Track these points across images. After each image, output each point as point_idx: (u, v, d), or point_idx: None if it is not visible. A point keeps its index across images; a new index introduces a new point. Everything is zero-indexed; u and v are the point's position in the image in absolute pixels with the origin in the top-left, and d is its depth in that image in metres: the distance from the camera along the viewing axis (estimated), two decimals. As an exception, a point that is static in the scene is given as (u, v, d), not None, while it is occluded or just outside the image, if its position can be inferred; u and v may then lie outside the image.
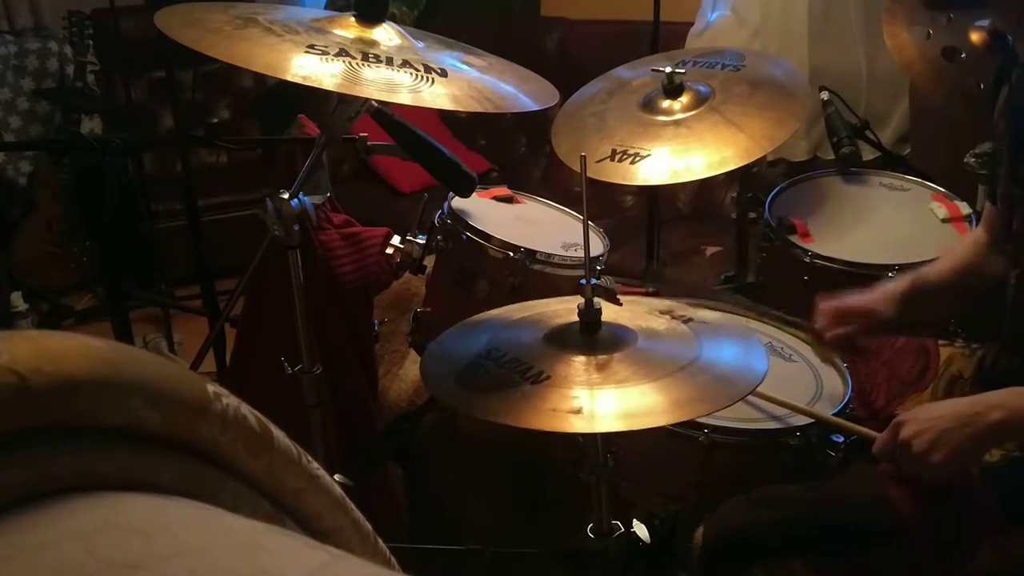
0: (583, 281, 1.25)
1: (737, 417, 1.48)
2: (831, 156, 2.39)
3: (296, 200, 1.50)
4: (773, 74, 1.99)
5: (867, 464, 1.40)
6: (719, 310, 1.62)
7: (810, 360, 1.67)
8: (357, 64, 1.30)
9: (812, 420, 1.48)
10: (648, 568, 1.42)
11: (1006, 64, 1.52)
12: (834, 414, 1.48)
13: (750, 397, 1.48)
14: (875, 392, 1.62)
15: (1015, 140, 1.46)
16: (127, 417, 0.39)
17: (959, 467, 1.26)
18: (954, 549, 1.31)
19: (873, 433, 1.37)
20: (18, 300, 3.45)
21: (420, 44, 1.48)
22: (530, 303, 1.44)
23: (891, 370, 1.64)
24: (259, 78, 4.36)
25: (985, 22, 2.04)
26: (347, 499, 0.49)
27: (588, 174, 1.35)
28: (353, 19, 1.43)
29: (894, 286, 1.62)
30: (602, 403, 1.14)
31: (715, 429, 1.45)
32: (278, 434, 0.45)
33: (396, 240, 1.85)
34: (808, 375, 1.63)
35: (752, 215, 2.19)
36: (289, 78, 1.24)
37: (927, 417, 1.27)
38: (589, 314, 1.25)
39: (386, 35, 1.43)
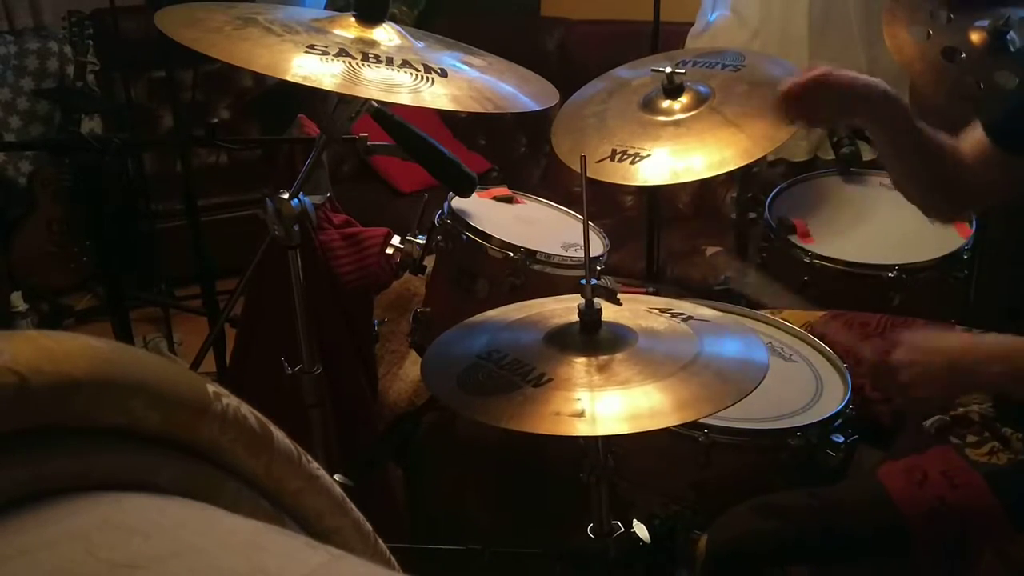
0: (583, 281, 1.25)
1: (737, 417, 1.48)
2: (831, 156, 2.39)
3: (296, 200, 1.50)
4: (773, 74, 1.99)
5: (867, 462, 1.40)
6: (718, 309, 1.62)
7: (810, 360, 1.67)
8: (357, 64, 1.30)
9: (813, 421, 1.48)
10: (648, 568, 1.42)
11: None
12: (834, 414, 1.48)
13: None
14: None
15: None
16: (127, 417, 0.39)
17: (936, 401, 1.26)
18: (958, 556, 1.30)
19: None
20: (18, 300, 3.45)
21: (420, 44, 1.48)
22: (529, 303, 1.44)
23: None
24: (259, 78, 4.36)
25: (985, 22, 2.04)
26: (347, 499, 0.49)
27: (588, 174, 1.35)
28: (353, 19, 1.43)
29: (885, 89, 1.52)
30: (605, 405, 1.13)
31: (715, 429, 1.45)
32: (278, 434, 0.45)
33: (396, 240, 1.85)
34: (808, 375, 1.63)
35: (752, 215, 2.19)
36: (289, 78, 1.24)
37: (924, 349, 1.26)
38: (589, 314, 1.25)
39: (386, 35, 1.43)
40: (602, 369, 1.19)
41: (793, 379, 1.61)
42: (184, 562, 0.35)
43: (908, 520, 1.30)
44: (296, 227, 1.51)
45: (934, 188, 1.57)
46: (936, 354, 1.25)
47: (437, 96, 1.31)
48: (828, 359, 1.67)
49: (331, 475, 0.49)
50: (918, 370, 1.24)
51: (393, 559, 0.51)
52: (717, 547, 1.36)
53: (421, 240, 1.83)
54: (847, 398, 1.52)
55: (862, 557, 1.34)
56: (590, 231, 1.31)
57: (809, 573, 1.33)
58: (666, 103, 1.93)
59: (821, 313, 1.76)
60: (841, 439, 1.46)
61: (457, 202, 1.89)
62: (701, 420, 1.39)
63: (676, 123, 1.90)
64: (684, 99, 1.92)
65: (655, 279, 2.63)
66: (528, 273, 1.78)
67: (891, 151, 1.58)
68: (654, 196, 2.64)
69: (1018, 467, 1.35)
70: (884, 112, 1.51)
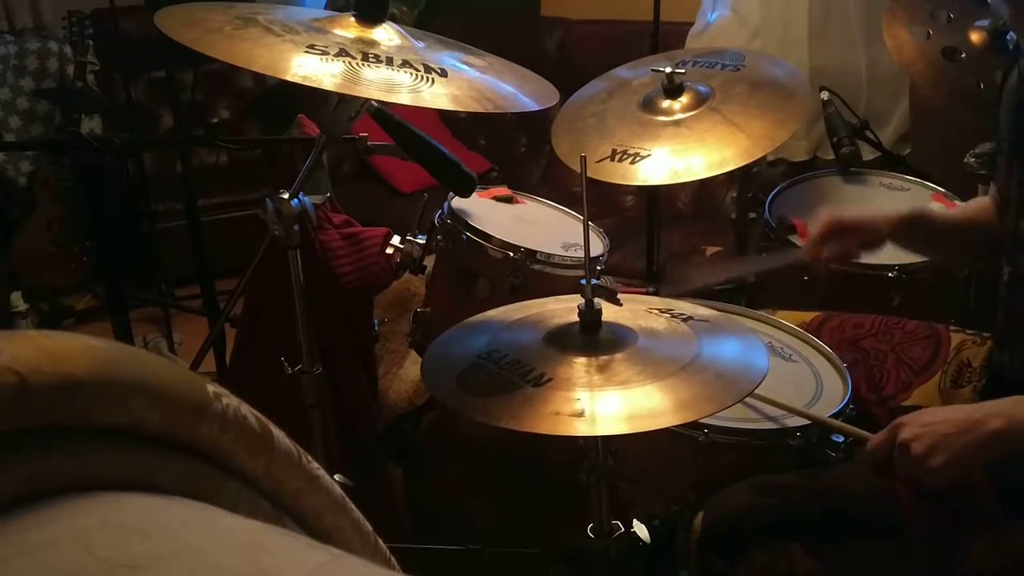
0: (583, 281, 1.25)
1: (737, 417, 1.48)
2: (831, 156, 2.39)
3: (296, 200, 1.50)
4: (773, 74, 1.99)
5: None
6: (718, 309, 1.62)
7: (810, 360, 1.67)
8: (357, 64, 1.30)
9: (813, 420, 1.48)
10: (648, 568, 1.42)
11: (1011, 59, 1.52)
12: (833, 414, 1.48)
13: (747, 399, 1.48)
14: (884, 377, 1.62)
15: (1015, 137, 1.46)
16: (127, 417, 0.39)
17: (957, 472, 1.26)
18: (952, 544, 1.31)
19: (866, 434, 1.37)
20: (18, 300, 3.45)
21: (420, 44, 1.48)
22: (529, 303, 1.44)
23: (900, 355, 1.64)
24: (259, 78, 4.36)
25: (985, 22, 2.04)
26: (347, 499, 0.49)
27: (588, 174, 1.35)
28: (353, 19, 1.43)
29: (898, 212, 1.63)
30: (605, 405, 1.13)
31: (715, 429, 1.45)
32: (278, 434, 0.45)
33: (396, 240, 1.85)
34: (808, 375, 1.63)
35: (752, 215, 2.19)
36: (289, 78, 1.24)
37: (927, 421, 1.27)
38: (589, 314, 1.25)
39: (386, 35, 1.43)
40: (602, 369, 1.19)
41: (793, 379, 1.61)
42: (184, 562, 0.35)
43: (903, 502, 1.31)
44: (296, 227, 1.51)
45: (971, 258, 1.73)
46: (940, 422, 1.27)
47: (437, 96, 1.31)
48: (828, 359, 1.67)
49: (331, 475, 0.49)
50: (929, 440, 1.25)
51: (393, 559, 0.51)
52: (713, 523, 1.36)
53: (421, 240, 1.83)
54: (847, 398, 1.52)
55: (858, 535, 1.34)
56: (590, 231, 1.31)
57: (804, 550, 1.33)
58: (666, 103, 1.93)
59: (814, 314, 1.76)
60: (841, 439, 1.46)
61: (457, 202, 1.88)
62: (701, 420, 1.39)
63: (676, 123, 1.90)
64: (684, 99, 1.93)
65: (655, 279, 2.63)
66: (528, 273, 1.78)
67: (923, 251, 1.72)
68: (654, 196, 2.64)
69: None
70: (904, 235, 1.62)
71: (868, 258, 1.87)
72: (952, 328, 1.66)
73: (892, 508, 1.31)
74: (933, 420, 1.27)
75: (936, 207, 2.04)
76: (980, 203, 1.69)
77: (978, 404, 1.32)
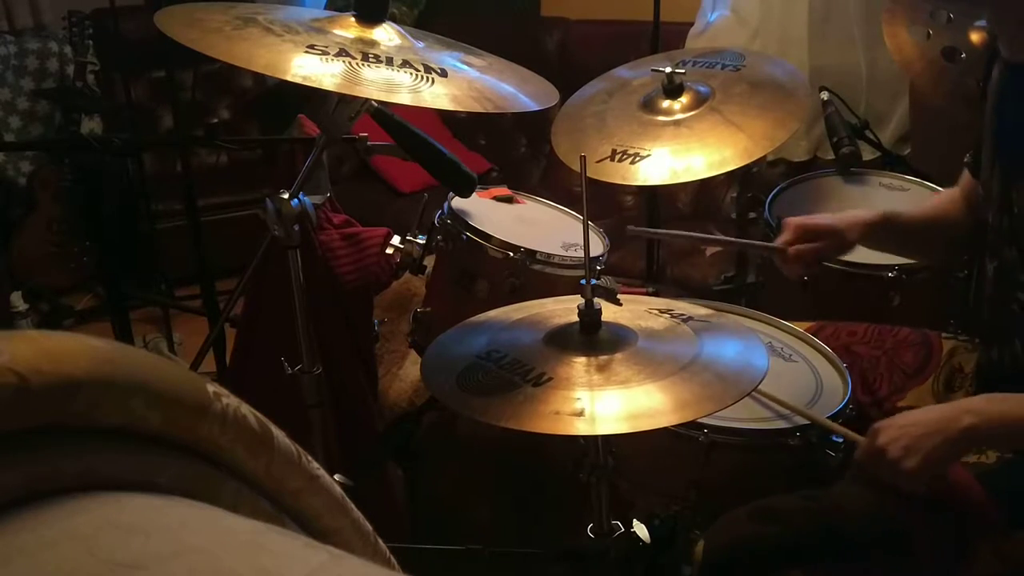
0: (583, 281, 1.25)
1: (737, 417, 1.48)
2: (831, 156, 2.39)
3: (296, 200, 1.50)
4: (773, 74, 1.99)
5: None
6: (718, 309, 1.62)
7: (810, 360, 1.68)
8: (357, 64, 1.30)
9: (812, 421, 1.48)
10: (648, 568, 1.42)
11: (991, 60, 1.52)
12: (834, 413, 1.48)
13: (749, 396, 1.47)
14: (878, 380, 1.63)
15: (999, 136, 1.46)
16: (127, 417, 0.39)
17: (932, 472, 1.26)
18: (955, 555, 1.30)
19: (862, 438, 1.36)
20: (18, 300, 3.45)
21: (420, 44, 1.48)
22: (529, 303, 1.44)
23: (892, 360, 1.64)
24: (259, 78, 4.36)
25: (985, 22, 2.04)
26: (347, 499, 0.49)
27: (588, 174, 1.35)
28: (353, 19, 1.43)
29: (864, 214, 1.65)
30: (605, 405, 1.13)
31: (715, 429, 1.45)
32: (278, 434, 0.45)
33: (396, 240, 1.85)
34: (808, 375, 1.63)
35: (752, 215, 2.19)
36: (289, 78, 1.24)
37: (902, 424, 1.27)
38: (589, 314, 1.25)
39: (386, 35, 1.43)
40: (602, 369, 1.19)
41: (793, 379, 1.61)
42: (185, 562, 0.35)
43: (907, 519, 1.30)
44: (296, 227, 1.51)
45: (942, 254, 1.79)
46: (913, 424, 1.26)
47: (437, 96, 1.31)
48: (828, 359, 1.67)
49: (331, 475, 0.49)
50: (903, 442, 1.24)
51: (393, 559, 0.51)
52: (713, 552, 1.36)
53: (421, 240, 1.83)
54: (847, 398, 1.52)
55: (860, 559, 1.34)
56: (590, 231, 1.31)
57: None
58: (666, 103, 1.93)
59: (808, 324, 1.76)
60: (841, 439, 1.46)
61: (457, 202, 1.89)
62: (701, 420, 1.39)
63: (676, 123, 1.90)
64: (684, 99, 1.93)
65: (655, 279, 2.63)
66: (528, 273, 1.78)
67: (894, 251, 1.77)
68: (654, 196, 2.64)
69: (1007, 465, 1.35)
70: (873, 238, 1.66)
71: (867, 258, 1.87)
72: (944, 335, 1.66)
73: (895, 524, 1.31)
74: (907, 422, 1.27)
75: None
76: (948, 196, 1.71)
77: (951, 403, 1.32)
